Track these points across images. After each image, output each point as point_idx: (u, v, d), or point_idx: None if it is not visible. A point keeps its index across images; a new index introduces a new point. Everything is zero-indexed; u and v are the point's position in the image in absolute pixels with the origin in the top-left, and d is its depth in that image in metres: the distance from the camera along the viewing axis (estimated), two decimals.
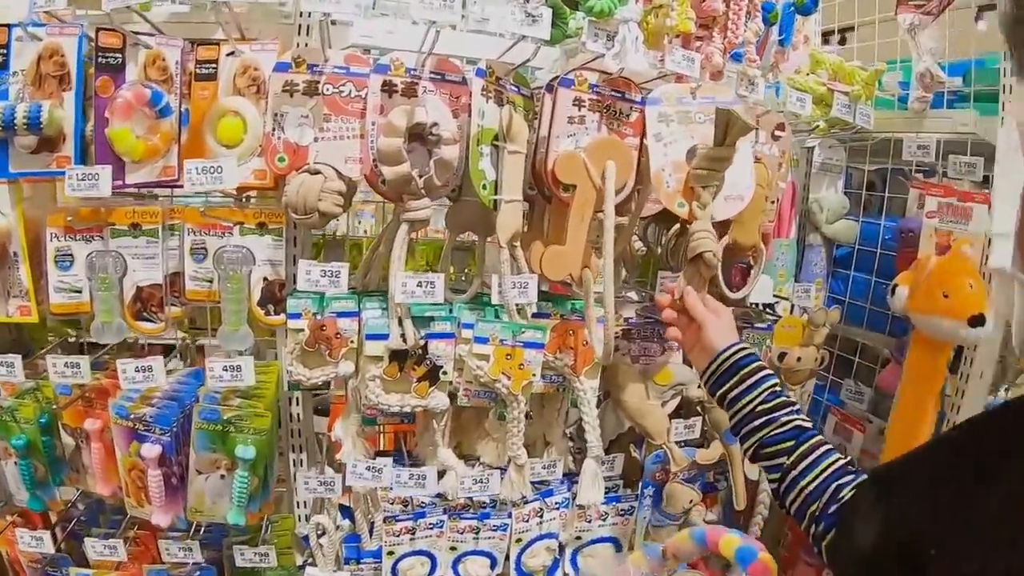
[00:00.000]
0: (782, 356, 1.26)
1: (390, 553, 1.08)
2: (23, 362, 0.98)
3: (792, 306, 1.42)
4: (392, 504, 1.10)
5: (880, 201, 1.51)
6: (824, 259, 1.47)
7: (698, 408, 1.24)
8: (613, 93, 1.00)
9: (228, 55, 0.97)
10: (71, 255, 0.94)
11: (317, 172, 0.94)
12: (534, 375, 1.01)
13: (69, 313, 0.96)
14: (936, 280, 1.17)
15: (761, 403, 0.86)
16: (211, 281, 1.01)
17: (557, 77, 0.98)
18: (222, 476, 1.02)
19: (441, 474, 1.06)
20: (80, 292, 0.95)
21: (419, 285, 0.95)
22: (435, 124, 0.93)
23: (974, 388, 1.26)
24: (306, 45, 0.97)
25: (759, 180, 1.12)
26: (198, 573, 1.14)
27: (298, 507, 1.13)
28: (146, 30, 0.95)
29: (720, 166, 1.00)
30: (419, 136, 0.95)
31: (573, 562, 1.18)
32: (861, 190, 1.54)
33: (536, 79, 1.13)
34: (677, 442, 1.18)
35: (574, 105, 0.98)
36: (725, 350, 0.92)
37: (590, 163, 0.96)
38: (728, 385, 0.90)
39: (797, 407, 0.88)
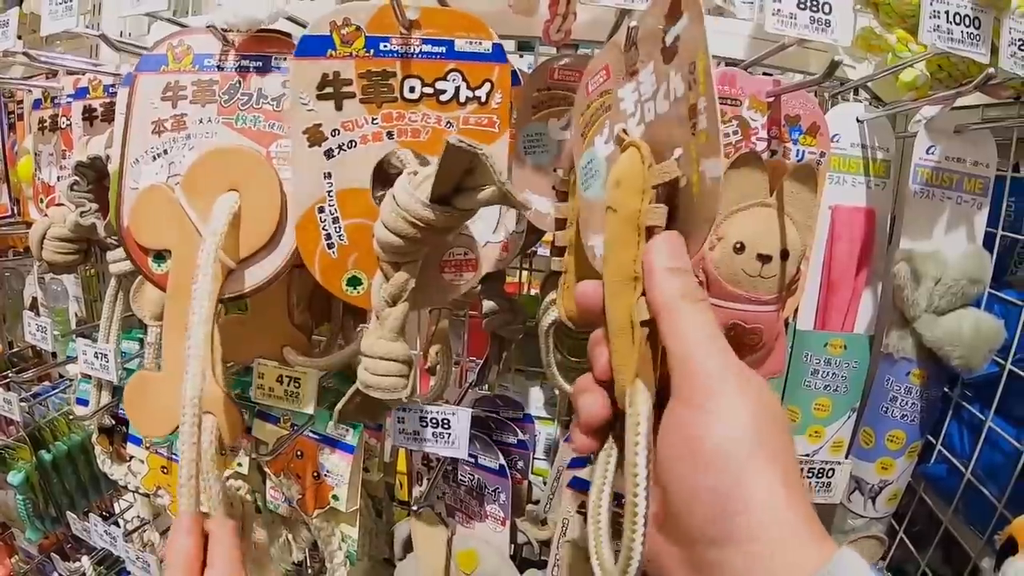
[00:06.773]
0: None
1: None
2: None
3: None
4: None
5: None
6: (918, 387, 0.65)
7: None
8: (246, 62, 0.53)
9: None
10: None
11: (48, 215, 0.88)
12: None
13: None
14: None
15: None
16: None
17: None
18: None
19: None
20: None
21: (96, 356, 0.81)
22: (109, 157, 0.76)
23: None
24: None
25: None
26: None
27: None
28: None
29: (431, 237, 0.48)
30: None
31: None
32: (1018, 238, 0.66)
33: None
34: None
35: (165, 100, 0.54)
36: None
37: (189, 205, 0.53)
38: None
39: None
